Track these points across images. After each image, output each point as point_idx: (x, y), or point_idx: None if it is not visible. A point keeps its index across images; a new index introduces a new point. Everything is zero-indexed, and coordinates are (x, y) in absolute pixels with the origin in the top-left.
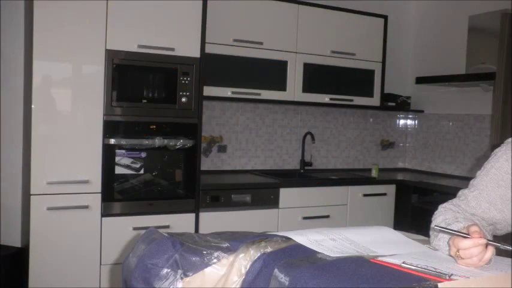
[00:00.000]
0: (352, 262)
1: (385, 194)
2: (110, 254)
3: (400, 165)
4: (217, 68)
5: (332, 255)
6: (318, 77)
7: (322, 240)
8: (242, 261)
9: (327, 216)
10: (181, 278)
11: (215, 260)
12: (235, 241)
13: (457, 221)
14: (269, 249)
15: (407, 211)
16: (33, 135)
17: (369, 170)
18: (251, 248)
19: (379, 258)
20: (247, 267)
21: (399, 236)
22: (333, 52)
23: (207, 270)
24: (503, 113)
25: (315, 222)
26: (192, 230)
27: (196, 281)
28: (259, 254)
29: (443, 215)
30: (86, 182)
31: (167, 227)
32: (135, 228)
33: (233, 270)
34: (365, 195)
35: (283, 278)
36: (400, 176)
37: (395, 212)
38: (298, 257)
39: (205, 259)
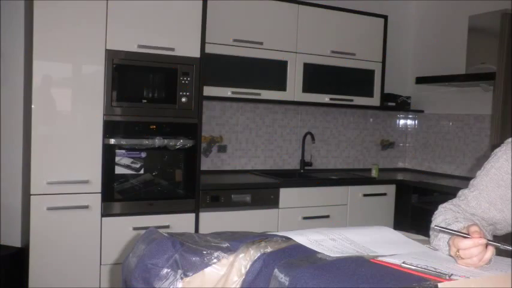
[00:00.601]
0: (352, 262)
1: (385, 194)
2: (110, 254)
3: (400, 165)
4: (217, 68)
5: (332, 255)
6: (318, 77)
7: (322, 240)
8: (242, 261)
9: (327, 216)
10: (181, 278)
11: (215, 260)
12: (235, 241)
13: (457, 221)
14: (269, 249)
15: (407, 211)
16: (33, 135)
17: (369, 170)
18: (251, 248)
19: (379, 258)
20: (247, 267)
21: (399, 236)
22: (333, 52)
23: (207, 270)
24: (503, 113)
25: (315, 222)
26: (192, 230)
27: (196, 281)
28: (259, 254)
29: (443, 215)
30: (86, 182)
31: (167, 227)
32: (135, 228)
33: (233, 270)
34: (365, 195)
35: (283, 278)
36: (400, 176)
37: (395, 212)
38: (298, 257)
39: (205, 259)
